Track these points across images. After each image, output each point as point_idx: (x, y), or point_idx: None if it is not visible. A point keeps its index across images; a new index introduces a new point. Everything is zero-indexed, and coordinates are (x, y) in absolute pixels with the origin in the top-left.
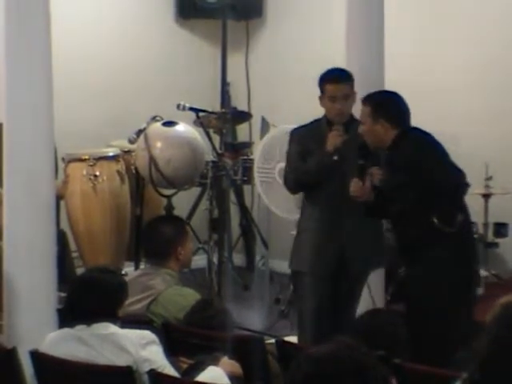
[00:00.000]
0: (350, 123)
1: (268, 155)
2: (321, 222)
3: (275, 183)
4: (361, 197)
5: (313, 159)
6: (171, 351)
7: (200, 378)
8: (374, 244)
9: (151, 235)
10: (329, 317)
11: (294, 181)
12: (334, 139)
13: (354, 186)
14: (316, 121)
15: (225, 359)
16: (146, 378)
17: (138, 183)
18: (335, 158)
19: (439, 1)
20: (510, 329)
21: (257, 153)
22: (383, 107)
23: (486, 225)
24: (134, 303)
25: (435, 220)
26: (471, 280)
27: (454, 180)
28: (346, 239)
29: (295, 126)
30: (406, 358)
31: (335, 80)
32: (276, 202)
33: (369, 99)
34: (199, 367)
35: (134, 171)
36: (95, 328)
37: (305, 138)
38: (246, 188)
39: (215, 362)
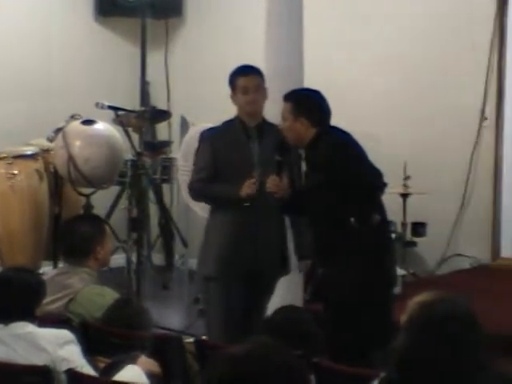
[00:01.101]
0: (262, 126)
1: (187, 154)
2: (233, 225)
3: None
4: (277, 193)
5: (222, 190)
6: (89, 350)
7: (118, 377)
8: (285, 248)
9: (69, 234)
10: (239, 319)
11: (198, 196)
12: (248, 189)
13: (271, 182)
14: (228, 122)
15: (143, 358)
16: (63, 377)
17: (56, 182)
18: (247, 204)
19: (358, 2)
20: (428, 328)
21: (179, 152)
22: (304, 105)
23: (404, 224)
24: (51, 302)
25: (352, 220)
26: (388, 279)
27: (370, 180)
28: (259, 243)
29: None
30: (322, 357)
31: (245, 72)
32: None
33: (290, 96)
34: (117, 366)
35: (52, 170)
36: (12, 327)
37: (216, 142)
38: (166, 187)
39: (133, 361)
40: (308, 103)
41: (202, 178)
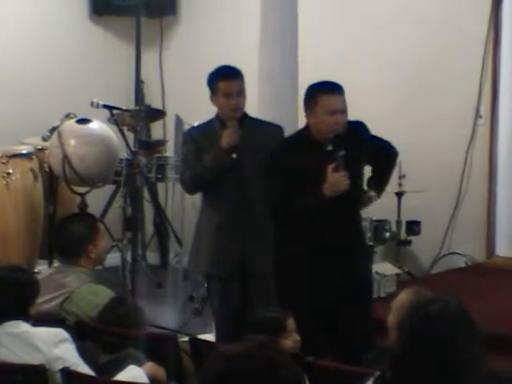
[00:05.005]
0: (243, 120)
1: None
2: (220, 225)
3: None
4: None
5: (209, 157)
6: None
7: (119, 376)
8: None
9: (62, 233)
10: (239, 316)
11: (191, 180)
12: (229, 137)
13: (342, 179)
14: (208, 122)
15: (150, 363)
16: (58, 376)
17: (51, 181)
18: (234, 156)
19: (353, 1)
20: (421, 327)
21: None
22: None
23: (398, 223)
24: (47, 301)
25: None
26: None
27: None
28: (246, 241)
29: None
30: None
31: (228, 77)
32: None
33: (341, 88)
34: (116, 365)
35: (47, 169)
36: (6, 326)
37: (198, 139)
38: (160, 186)
39: (140, 365)
40: None
41: (190, 167)
